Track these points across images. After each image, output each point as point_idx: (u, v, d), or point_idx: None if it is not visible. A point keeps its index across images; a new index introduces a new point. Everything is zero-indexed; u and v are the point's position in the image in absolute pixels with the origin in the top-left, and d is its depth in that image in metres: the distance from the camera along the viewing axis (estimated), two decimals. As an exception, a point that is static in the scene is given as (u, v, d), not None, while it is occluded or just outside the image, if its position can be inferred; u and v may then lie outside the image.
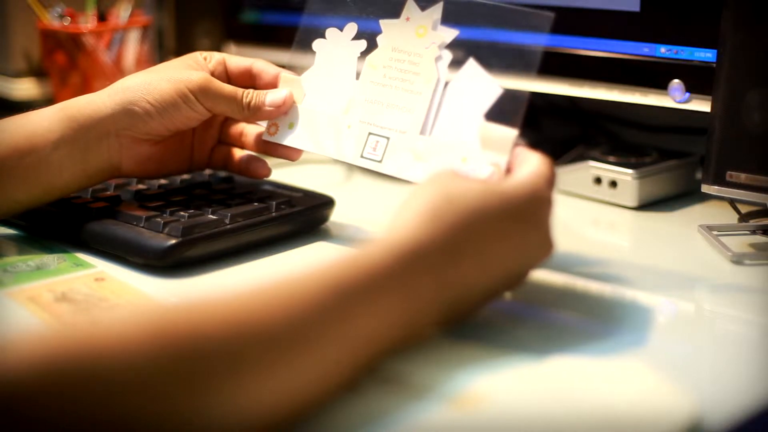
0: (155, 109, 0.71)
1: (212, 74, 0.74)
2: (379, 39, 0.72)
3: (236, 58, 0.76)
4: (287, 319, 0.46)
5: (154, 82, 0.71)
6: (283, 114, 0.74)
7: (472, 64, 0.67)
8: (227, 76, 0.76)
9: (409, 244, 0.53)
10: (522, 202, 0.58)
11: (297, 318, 0.47)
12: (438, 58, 0.69)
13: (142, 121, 0.71)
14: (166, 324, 0.44)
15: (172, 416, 0.42)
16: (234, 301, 0.47)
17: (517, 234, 0.57)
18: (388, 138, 0.70)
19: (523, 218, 0.58)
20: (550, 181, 0.60)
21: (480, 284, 0.57)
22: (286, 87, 0.74)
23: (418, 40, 0.70)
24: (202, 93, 0.71)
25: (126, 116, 0.71)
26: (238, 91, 0.73)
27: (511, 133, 0.64)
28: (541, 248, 0.59)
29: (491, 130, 0.65)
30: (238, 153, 0.78)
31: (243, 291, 0.47)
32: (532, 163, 0.60)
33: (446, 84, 0.69)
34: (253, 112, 0.73)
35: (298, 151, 0.74)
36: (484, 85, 0.66)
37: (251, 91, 0.73)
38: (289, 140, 0.74)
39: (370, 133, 0.71)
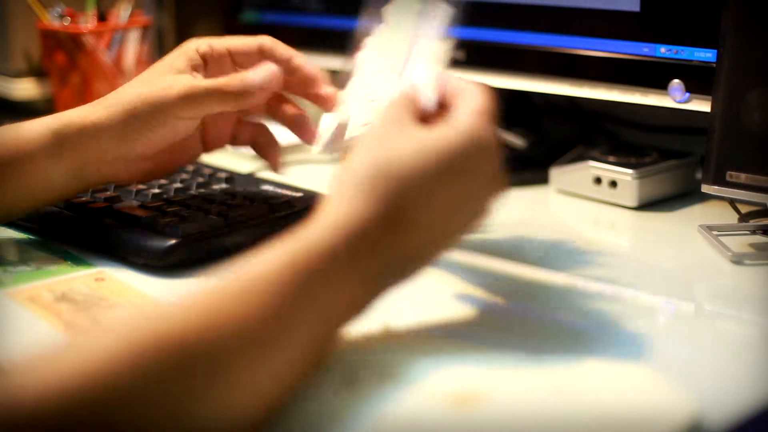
0: (143, 136, 0.69)
1: (206, 66, 0.71)
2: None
3: (239, 41, 0.73)
4: (261, 312, 0.47)
5: (138, 107, 0.68)
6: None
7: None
8: (232, 62, 0.73)
9: (349, 224, 0.51)
10: (461, 153, 0.54)
11: (270, 310, 0.47)
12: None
13: (131, 148, 0.70)
14: (147, 337, 0.44)
15: (168, 424, 0.42)
16: (210, 303, 0.47)
17: (463, 185, 0.55)
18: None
19: (466, 169, 0.55)
20: (490, 117, 0.57)
21: (433, 241, 0.55)
22: (340, 108, 0.71)
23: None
24: (185, 104, 0.69)
25: (115, 144, 0.69)
26: (219, 81, 0.69)
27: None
28: (493, 187, 0.57)
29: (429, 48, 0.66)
30: (290, 109, 0.76)
31: (214, 291, 0.48)
32: (468, 102, 0.57)
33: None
34: (243, 98, 0.69)
35: (282, 165, 0.76)
36: (437, 13, 0.66)
37: (234, 76, 0.70)
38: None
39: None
